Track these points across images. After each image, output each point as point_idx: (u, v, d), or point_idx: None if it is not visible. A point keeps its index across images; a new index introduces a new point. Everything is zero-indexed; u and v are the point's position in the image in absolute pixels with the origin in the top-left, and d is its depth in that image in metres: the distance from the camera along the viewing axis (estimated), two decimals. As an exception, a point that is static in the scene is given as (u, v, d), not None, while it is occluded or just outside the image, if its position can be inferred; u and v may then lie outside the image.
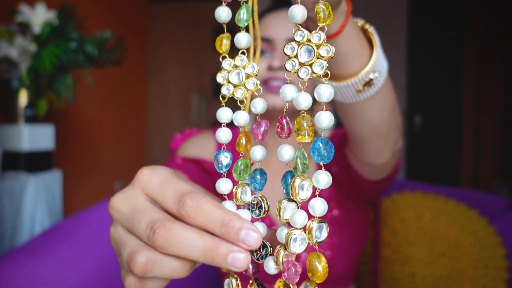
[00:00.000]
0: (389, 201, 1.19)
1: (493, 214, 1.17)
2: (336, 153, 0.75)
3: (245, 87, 0.33)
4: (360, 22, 0.47)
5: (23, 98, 1.62)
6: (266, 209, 0.31)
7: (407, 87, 3.58)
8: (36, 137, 1.64)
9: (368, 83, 0.45)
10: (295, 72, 0.30)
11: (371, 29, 0.46)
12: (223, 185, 0.32)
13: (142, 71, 3.75)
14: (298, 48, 0.30)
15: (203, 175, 0.75)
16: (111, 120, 3.13)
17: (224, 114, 0.32)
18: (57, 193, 1.72)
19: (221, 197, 0.32)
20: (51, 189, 1.68)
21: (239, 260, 0.25)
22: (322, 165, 0.29)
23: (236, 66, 0.33)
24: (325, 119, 0.29)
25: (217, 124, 0.36)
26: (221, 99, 0.33)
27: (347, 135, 0.61)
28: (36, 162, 1.65)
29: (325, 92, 0.29)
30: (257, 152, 0.32)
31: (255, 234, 0.25)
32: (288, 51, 0.30)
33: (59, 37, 1.58)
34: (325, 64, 0.29)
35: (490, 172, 3.47)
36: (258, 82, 0.33)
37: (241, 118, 0.32)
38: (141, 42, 3.71)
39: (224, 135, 0.32)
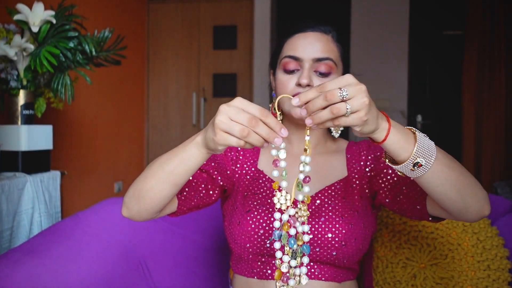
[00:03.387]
0: (390, 202, 1.18)
1: (495, 215, 1.16)
2: (380, 168, 0.90)
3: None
4: (409, 128, 0.66)
5: (21, 97, 1.61)
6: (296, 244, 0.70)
7: (408, 87, 3.57)
8: (34, 137, 1.62)
9: (417, 165, 0.64)
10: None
11: (414, 130, 0.66)
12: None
13: (142, 71, 3.74)
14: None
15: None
16: (110, 120, 3.12)
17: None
18: (55, 193, 1.70)
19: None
20: (49, 190, 1.67)
21: (278, 141, 0.60)
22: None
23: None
24: None
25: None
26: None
27: None
28: (34, 162, 1.63)
29: None
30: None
31: (279, 139, 0.60)
32: None
33: (57, 36, 1.57)
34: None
35: (492, 173, 3.46)
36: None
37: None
38: (141, 42, 3.70)
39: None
